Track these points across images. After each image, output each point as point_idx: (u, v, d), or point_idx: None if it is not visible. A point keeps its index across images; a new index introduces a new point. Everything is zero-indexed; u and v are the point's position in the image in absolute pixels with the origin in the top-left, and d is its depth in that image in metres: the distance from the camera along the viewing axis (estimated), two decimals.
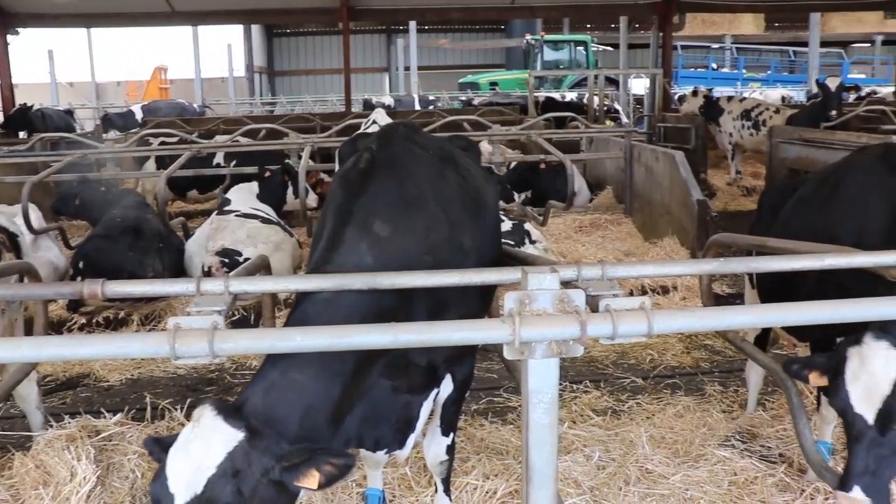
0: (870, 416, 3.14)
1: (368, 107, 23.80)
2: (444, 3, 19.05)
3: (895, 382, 3.07)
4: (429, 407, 3.59)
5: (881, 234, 3.95)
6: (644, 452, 4.77)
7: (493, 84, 33.44)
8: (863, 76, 36.29)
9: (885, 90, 24.63)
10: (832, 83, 13.29)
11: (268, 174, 9.42)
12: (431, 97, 30.91)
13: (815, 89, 14.54)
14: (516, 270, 2.75)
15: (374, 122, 10.50)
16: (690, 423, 5.28)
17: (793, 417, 3.84)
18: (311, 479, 2.58)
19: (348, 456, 2.63)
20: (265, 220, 8.47)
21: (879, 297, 2.67)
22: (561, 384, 5.99)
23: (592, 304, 2.57)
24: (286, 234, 8.52)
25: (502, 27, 43.86)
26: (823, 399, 4.35)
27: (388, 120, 9.58)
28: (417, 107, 26.62)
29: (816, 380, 3.34)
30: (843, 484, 3.14)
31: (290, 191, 9.61)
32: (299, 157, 9.97)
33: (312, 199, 9.61)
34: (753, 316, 2.55)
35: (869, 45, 38.96)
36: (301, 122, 17.09)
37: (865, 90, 22.80)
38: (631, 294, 7.87)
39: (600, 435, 5.11)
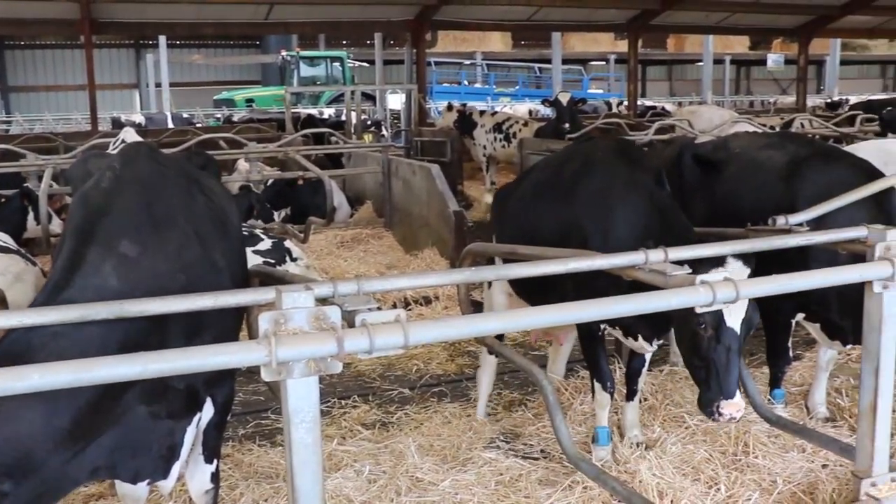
0: (737, 328, 3.60)
1: (117, 125, 22.56)
2: (195, 18, 18.42)
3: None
4: (192, 433, 3.44)
5: (628, 229, 4.29)
6: (414, 462, 4.83)
7: (250, 101, 32.86)
8: (601, 91, 39.19)
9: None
10: (563, 98, 14.22)
11: (2, 200, 8.71)
12: (186, 114, 29.85)
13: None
14: (271, 290, 2.69)
15: (123, 141, 9.98)
16: (457, 428, 5.41)
17: (549, 414, 4.04)
18: None
19: None
20: (2, 249, 7.77)
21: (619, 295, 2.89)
22: (329, 401, 6.00)
23: (349, 320, 2.56)
24: (27, 263, 7.85)
25: (257, 43, 43.15)
26: (597, 386, 4.67)
27: (138, 139, 9.15)
28: (171, 124, 25.56)
29: None
30: (727, 393, 3.61)
31: (30, 216, 8.95)
32: (39, 180, 9.30)
33: (57, 225, 8.98)
34: (503, 322, 2.65)
35: (604, 62, 42.17)
36: (42, 143, 15.85)
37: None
38: (395, 306, 7.99)
39: (370, 448, 5.12)
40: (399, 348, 2.47)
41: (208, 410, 3.53)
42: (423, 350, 7.00)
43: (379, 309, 2.62)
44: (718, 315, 3.58)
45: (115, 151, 6.05)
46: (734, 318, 3.64)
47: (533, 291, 4.65)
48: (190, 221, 3.42)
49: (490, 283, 5.16)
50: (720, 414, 3.66)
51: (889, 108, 13.24)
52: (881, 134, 11.64)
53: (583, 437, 4.98)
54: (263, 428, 5.66)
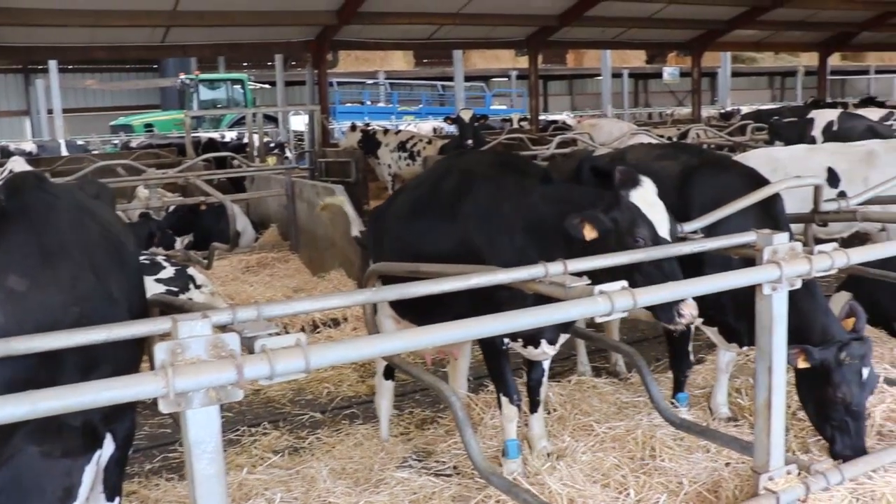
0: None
1: (6, 154, 21.73)
2: (87, 41, 17.89)
3: None
4: (92, 471, 3.32)
5: (522, 243, 4.35)
6: (326, 486, 4.78)
7: (149, 126, 32.11)
8: (504, 107, 39.67)
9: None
10: (465, 115, 14.36)
11: None
12: (80, 141, 28.94)
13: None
14: (167, 320, 2.63)
15: (11, 171, 9.62)
16: (369, 450, 5.38)
17: (459, 430, 4.05)
18: None
19: None
20: None
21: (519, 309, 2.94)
22: (238, 429, 5.90)
23: (249, 346, 2.53)
24: None
25: (155, 66, 42.23)
26: (504, 400, 4.70)
27: (27, 168, 8.83)
28: (65, 152, 24.77)
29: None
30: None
31: None
32: None
33: None
34: (405, 341, 2.65)
35: (506, 78, 42.74)
36: None
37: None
38: (303, 330, 7.91)
39: (281, 475, 5.05)
40: (301, 372, 2.45)
41: (108, 447, 3.41)
42: (333, 372, 6.95)
43: (279, 334, 2.59)
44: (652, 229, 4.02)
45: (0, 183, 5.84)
46: (664, 230, 4.07)
47: (424, 312, 4.55)
48: (83, 252, 3.31)
49: (375, 310, 5.13)
50: (680, 315, 3.81)
51: (776, 117, 13.80)
52: (769, 142, 12.12)
53: (494, 451, 5.01)
54: (171, 461, 5.51)
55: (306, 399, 6.62)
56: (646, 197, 4.11)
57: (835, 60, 35.53)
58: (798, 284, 3.72)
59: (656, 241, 4.01)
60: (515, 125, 23.80)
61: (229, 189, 13.27)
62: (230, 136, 24.41)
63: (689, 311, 3.78)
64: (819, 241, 4.12)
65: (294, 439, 5.73)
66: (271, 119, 25.70)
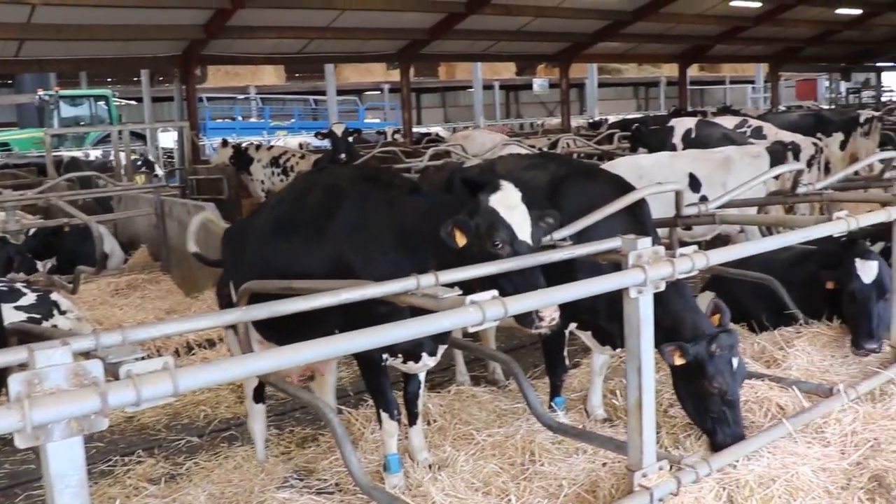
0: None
1: None
2: None
3: None
4: None
5: (394, 256, 4.35)
6: None
7: (5, 144, 30.53)
8: (377, 120, 39.70)
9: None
10: (338, 129, 14.29)
11: None
12: None
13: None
14: (23, 349, 2.50)
15: None
16: (249, 472, 5.26)
17: (339, 447, 4.01)
18: None
19: None
20: None
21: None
22: (111, 459, 5.67)
23: (113, 372, 2.43)
24: None
25: (10, 82, 40.24)
26: (384, 415, 4.67)
27: None
28: None
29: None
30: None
31: None
32: None
33: None
34: (277, 359, 2.61)
35: (379, 92, 42.78)
36: None
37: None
38: (177, 353, 7.69)
39: None
40: (169, 397, 2.38)
41: None
42: (210, 394, 6.78)
43: (147, 358, 2.51)
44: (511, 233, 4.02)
45: None
46: (524, 233, 4.05)
47: (294, 332, 4.31)
48: None
49: (246, 328, 5.01)
50: (540, 319, 3.81)
51: (636, 125, 14.32)
52: (632, 150, 12.58)
53: (376, 465, 4.98)
54: (35, 499, 5.25)
55: (182, 423, 6.43)
56: (505, 201, 4.10)
57: (694, 71, 37.20)
58: (663, 287, 3.86)
59: (515, 244, 4.03)
60: (390, 138, 23.85)
61: (96, 210, 12.76)
62: (95, 154, 23.50)
63: (549, 315, 3.82)
64: (684, 244, 4.29)
65: (171, 466, 5.56)
66: (139, 136, 24.87)
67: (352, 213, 4.53)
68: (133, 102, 34.25)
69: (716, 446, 4.52)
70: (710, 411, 4.56)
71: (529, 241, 4.10)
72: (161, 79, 32.23)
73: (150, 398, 2.33)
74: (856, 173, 7.85)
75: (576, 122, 30.21)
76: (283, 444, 5.77)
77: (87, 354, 2.65)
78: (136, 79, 32.56)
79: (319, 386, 5.65)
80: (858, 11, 28.87)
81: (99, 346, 2.69)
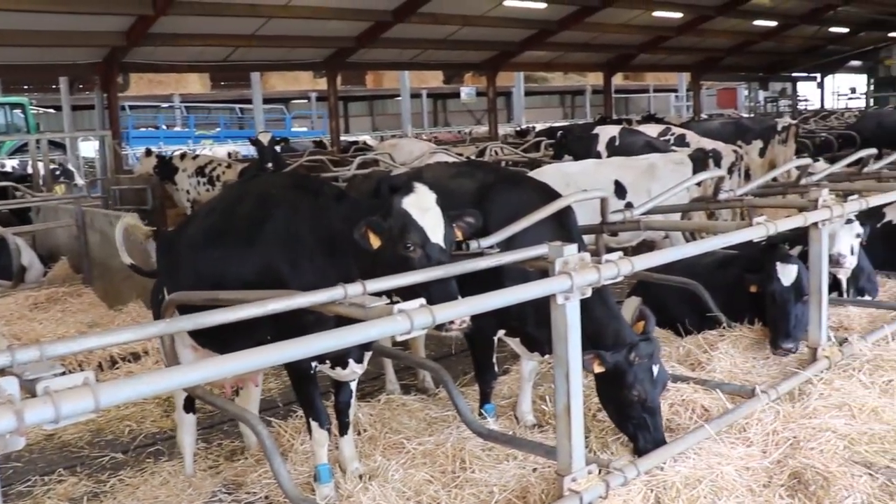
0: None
1: None
2: None
3: None
4: None
5: (322, 264, 4.32)
6: None
7: None
8: (304, 129, 39.42)
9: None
10: (264, 138, 14.13)
11: None
12: None
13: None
14: None
15: None
16: (176, 487, 5.17)
17: (268, 459, 3.96)
18: None
19: None
20: None
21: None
22: (29, 479, 5.50)
23: (30, 389, 2.36)
24: None
25: None
26: (314, 425, 4.63)
27: None
28: None
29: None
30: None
31: None
32: None
33: None
34: (203, 372, 2.56)
35: (306, 100, 42.47)
36: None
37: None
38: (100, 367, 7.51)
39: None
40: (90, 413, 2.32)
41: None
42: (135, 409, 6.64)
43: (66, 373, 2.44)
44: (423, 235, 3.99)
45: None
46: (437, 236, 4.02)
47: (227, 341, 4.37)
48: None
49: (172, 340, 4.94)
50: (451, 322, 3.77)
51: (561, 133, 14.51)
52: (557, 157, 12.72)
53: (307, 476, 4.93)
54: None
55: (106, 440, 6.28)
56: (419, 203, 4.08)
57: (618, 80, 37.91)
58: (589, 293, 3.91)
59: (427, 246, 4.01)
60: (330, 147, 23.60)
61: (12, 221, 12.37)
62: (11, 164, 22.79)
63: (459, 319, 3.80)
64: (611, 251, 4.36)
65: (94, 484, 5.43)
66: (58, 145, 24.21)
67: (280, 221, 4.50)
68: (52, 111, 33.36)
69: (638, 451, 4.60)
70: (631, 418, 4.63)
71: (442, 243, 4.06)
72: (81, 87, 31.44)
73: (70, 415, 2.27)
74: (774, 179, 8.10)
75: (503, 129, 30.47)
76: (212, 458, 5.68)
77: (1, 372, 2.57)
78: (55, 87, 31.72)
79: (246, 396, 5.58)
80: (774, 23, 29.91)
81: (15, 363, 2.60)
